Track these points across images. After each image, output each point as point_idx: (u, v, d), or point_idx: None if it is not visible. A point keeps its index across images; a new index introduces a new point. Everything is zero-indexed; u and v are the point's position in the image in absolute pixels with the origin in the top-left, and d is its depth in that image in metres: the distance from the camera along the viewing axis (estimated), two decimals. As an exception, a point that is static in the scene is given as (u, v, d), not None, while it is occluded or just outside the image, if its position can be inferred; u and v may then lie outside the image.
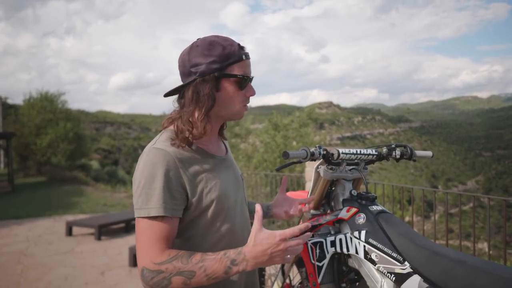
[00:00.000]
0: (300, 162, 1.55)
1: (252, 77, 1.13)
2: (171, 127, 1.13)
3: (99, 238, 5.86)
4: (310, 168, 4.11)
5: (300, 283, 1.94)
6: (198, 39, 1.10)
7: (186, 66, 1.07)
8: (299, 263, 1.96)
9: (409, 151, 1.63)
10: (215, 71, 1.05)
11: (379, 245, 1.35)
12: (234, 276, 1.10)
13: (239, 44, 1.10)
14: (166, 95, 1.14)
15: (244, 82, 1.09)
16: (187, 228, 1.08)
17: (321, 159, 1.53)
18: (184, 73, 1.09)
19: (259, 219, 0.96)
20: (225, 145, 1.29)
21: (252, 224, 1.03)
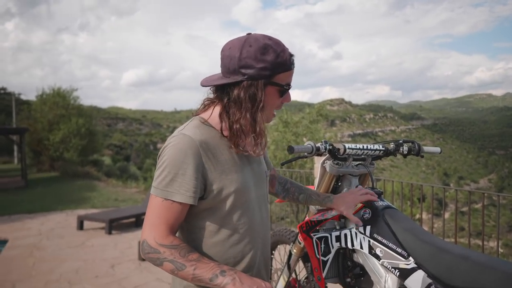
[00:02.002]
0: (305, 157, 1.55)
1: (292, 85, 1.13)
2: (203, 114, 1.14)
3: (109, 232, 5.91)
4: (319, 165, 4.07)
5: (306, 277, 1.94)
6: (249, 35, 1.08)
7: (235, 63, 1.04)
8: (305, 258, 1.96)
9: (416, 146, 1.62)
10: (265, 77, 1.05)
11: (384, 240, 1.35)
12: (252, 251, 1.15)
13: (289, 52, 1.09)
14: (205, 85, 1.13)
15: (285, 91, 1.11)
16: (203, 216, 1.10)
17: (327, 154, 1.52)
18: (229, 69, 1.06)
19: None
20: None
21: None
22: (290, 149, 1.40)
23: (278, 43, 1.06)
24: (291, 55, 1.08)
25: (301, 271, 2.08)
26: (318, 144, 1.48)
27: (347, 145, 1.51)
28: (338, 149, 1.50)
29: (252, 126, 1.06)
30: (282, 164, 1.69)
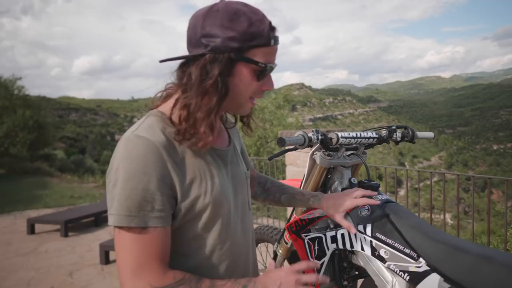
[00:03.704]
0: (295, 149, 1.41)
1: (275, 66, 0.91)
2: (162, 107, 0.92)
3: (65, 235, 5.44)
4: (291, 152, 3.90)
5: None
6: (221, 1, 0.87)
7: (197, 33, 0.84)
8: (292, 258, 1.77)
9: (410, 132, 1.55)
10: (232, 50, 0.83)
11: (389, 240, 1.24)
12: (234, 276, 0.96)
13: (270, 23, 0.87)
14: (163, 61, 0.89)
15: (264, 72, 0.88)
16: (177, 233, 0.89)
17: (317, 144, 1.40)
18: (191, 41, 0.86)
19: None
20: (228, 134, 1.08)
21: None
22: (281, 141, 1.25)
23: (255, 11, 0.86)
24: (273, 28, 0.87)
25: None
26: (310, 134, 1.35)
27: (340, 134, 1.38)
28: (331, 139, 1.38)
29: (207, 115, 0.84)
30: (270, 159, 1.54)
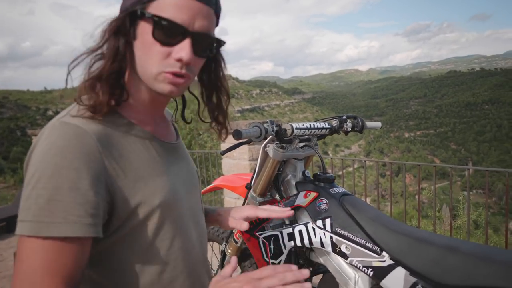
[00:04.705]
0: (250, 141, 1.32)
1: (194, 32, 0.70)
2: None
3: (-30, 244, 4.78)
4: (226, 144, 3.83)
5: None
6: None
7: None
8: (242, 258, 1.70)
9: (360, 122, 1.53)
10: (133, 5, 0.69)
11: (350, 235, 1.18)
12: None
13: None
14: None
15: (168, 32, 0.68)
16: (113, 252, 0.72)
17: (270, 136, 1.32)
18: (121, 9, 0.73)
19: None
20: (175, 128, 0.95)
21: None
22: (237, 134, 1.16)
23: None
24: None
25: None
26: (265, 125, 1.25)
27: (294, 125, 1.31)
28: (285, 130, 1.29)
29: (99, 77, 0.70)
30: (223, 153, 1.45)
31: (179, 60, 0.69)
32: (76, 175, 0.63)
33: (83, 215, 0.63)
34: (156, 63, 0.69)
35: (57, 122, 0.67)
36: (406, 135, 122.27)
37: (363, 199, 3.29)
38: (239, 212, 1.02)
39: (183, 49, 0.68)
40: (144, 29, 0.69)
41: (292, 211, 1.02)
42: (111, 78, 0.70)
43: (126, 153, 0.72)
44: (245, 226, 0.95)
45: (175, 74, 0.70)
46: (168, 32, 0.68)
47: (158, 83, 0.71)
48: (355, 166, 3.84)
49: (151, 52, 0.69)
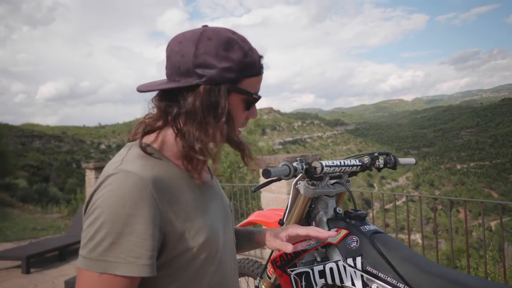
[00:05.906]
0: (280, 179, 1.36)
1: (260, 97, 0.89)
2: (144, 139, 0.84)
3: (27, 272, 5.02)
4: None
5: None
6: (206, 26, 0.83)
7: (189, 61, 0.78)
8: None
9: (392, 159, 1.54)
10: (229, 81, 0.80)
11: (381, 274, 1.18)
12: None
13: (258, 53, 0.85)
14: (143, 90, 0.84)
15: (253, 102, 0.87)
16: (154, 286, 0.78)
17: (301, 174, 1.34)
18: (180, 69, 0.79)
19: None
20: (208, 166, 1.02)
21: None
22: (267, 173, 1.19)
23: (244, 40, 0.84)
24: (261, 57, 0.86)
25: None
26: (295, 164, 1.30)
27: (324, 163, 1.34)
28: (315, 168, 1.32)
29: (214, 146, 0.85)
30: (254, 190, 1.49)
31: (252, 118, 0.90)
32: (135, 220, 0.71)
33: (138, 256, 0.70)
34: (239, 124, 0.87)
35: (118, 169, 0.75)
36: (458, 166, 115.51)
37: (417, 236, 3.18)
38: (284, 231, 1.08)
39: (254, 110, 0.90)
40: (235, 100, 0.83)
41: (332, 232, 1.08)
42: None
43: (177, 195, 0.79)
44: (290, 248, 1.00)
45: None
46: (253, 102, 0.88)
47: None
48: (403, 200, 3.72)
49: (239, 116, 0.86)
